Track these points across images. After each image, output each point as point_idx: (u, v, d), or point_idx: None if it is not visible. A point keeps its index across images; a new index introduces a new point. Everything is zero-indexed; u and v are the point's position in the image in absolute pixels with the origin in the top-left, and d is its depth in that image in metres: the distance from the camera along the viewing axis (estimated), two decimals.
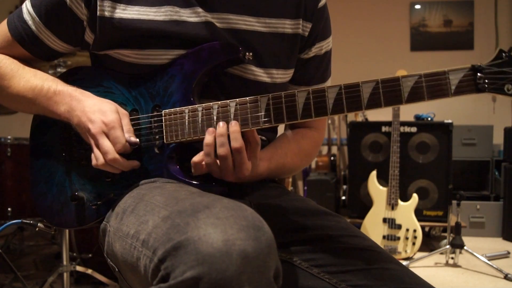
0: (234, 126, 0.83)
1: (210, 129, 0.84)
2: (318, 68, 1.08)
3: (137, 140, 0.89)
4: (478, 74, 0.75)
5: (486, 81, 0.75)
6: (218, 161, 0.85)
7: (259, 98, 0.85)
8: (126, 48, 0.91)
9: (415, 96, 0.78)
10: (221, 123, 0.84)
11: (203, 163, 0.85)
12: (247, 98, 0.85)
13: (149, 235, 0.67)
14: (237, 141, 0.82)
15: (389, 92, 0.79)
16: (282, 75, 1.00)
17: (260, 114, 0.84)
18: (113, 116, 0.87)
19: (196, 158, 0.86)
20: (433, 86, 0.77)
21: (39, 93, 0.93)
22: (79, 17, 0.91)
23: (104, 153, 0.85)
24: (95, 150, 0.87)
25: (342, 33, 4.36)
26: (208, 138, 0.84)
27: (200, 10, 0.91)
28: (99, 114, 0.87)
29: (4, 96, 0.97)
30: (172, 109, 0.89)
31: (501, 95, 0.76)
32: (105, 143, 0.85)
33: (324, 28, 1.05)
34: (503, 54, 0.76)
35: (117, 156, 0.86)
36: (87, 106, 0.88)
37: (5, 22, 0.97)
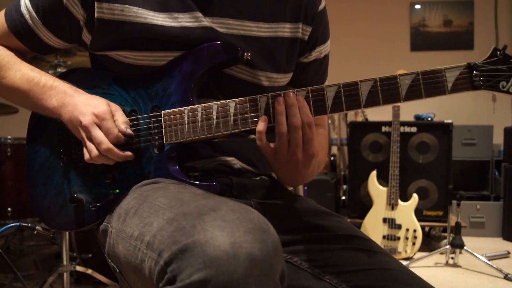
0: (303, 101, 0.83)
1: (280, 98, 0.83)
2: (317, 71, 1.08)
3: (132, 132, 0.89)
4: (474, 72, 0.77)
5: (482, 78, 0.77)
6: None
7: (259, 98, 0.85)
8: (125, 50, 0.90)
9: (413, 94, 0.79)
10: (291, 93, 0.83)
11: (278, 132, 0.83)
12: (247, 97, 0.85)
13: (154, 237, 0.66)
14: (308, 116, 0.82)
15: (387, 90, 0.80)
16: (281, 79, 1.00)
17: (259, 113, 0.84)
18: (103, 107, 0.87)
19: (260, 127, 0.84)
20: (430, 84, 0.78)
21: (35, 85, 0.93)
22: (76, 16, 0.91)
23: (97, 143, 0.85)
24: (88, 142, 0.87)
25: (342, 33, 4.36)
26: (278, 108, 0.82)
27: (199, 15, 0.91)
28: (89, 107, 0.87)
29: None
30: (171, 110, 0.89)
31: (496, 91, 0.78)
32: (98, 133, 0.86)
33: (324, 32, 1.05)
34: (498, 52, 0.78)
35: (111, 146, 0.86)
36: (78, 102, 0.89)
37: (2, 12, 0.97)
